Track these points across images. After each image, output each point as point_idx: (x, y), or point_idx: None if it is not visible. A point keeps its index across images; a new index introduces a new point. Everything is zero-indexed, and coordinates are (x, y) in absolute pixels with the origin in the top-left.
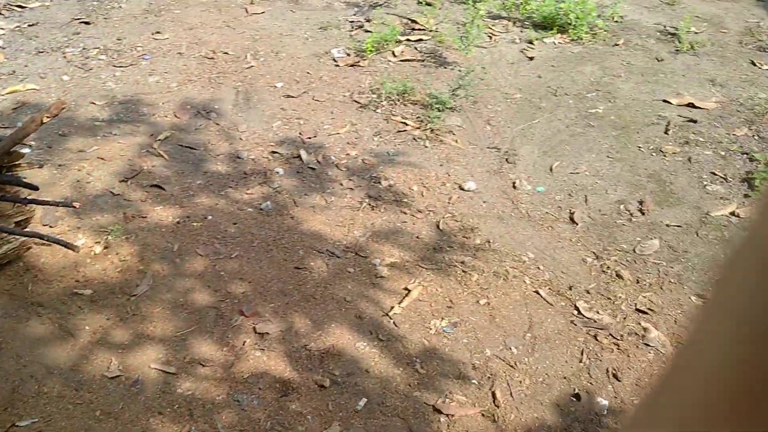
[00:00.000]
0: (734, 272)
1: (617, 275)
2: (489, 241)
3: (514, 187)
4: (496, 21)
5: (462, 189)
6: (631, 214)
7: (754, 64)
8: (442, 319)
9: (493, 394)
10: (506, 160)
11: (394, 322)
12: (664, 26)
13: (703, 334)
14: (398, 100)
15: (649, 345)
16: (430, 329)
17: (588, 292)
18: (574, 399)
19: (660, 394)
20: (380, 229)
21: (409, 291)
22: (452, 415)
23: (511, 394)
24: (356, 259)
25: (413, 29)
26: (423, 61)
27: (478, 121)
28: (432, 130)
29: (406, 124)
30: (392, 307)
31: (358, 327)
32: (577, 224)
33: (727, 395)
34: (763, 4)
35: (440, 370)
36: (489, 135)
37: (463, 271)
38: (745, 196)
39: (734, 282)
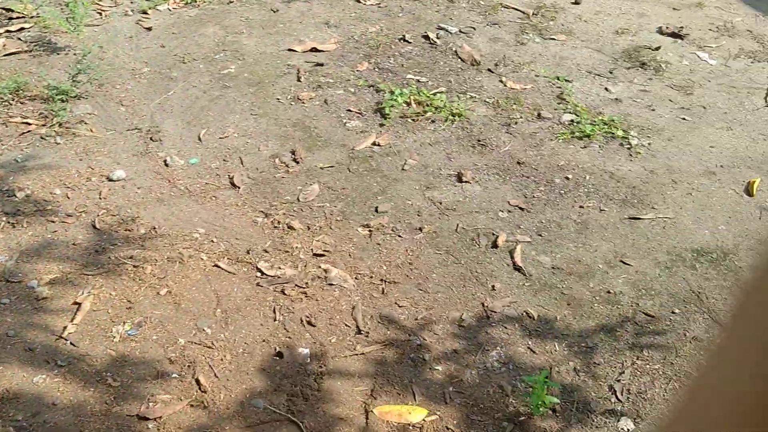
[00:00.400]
0: (758, 294)
1: (289, 227)
2: (155, 228)
3: (166, 164)
4: None
5: (111, 180)
6: (287, 166)
7: (359, 1)
8: (124, 323)
9: (197, 381)
10: (151, 139)
11: (71, 343)
12: None
13: (729, 351)
14: (12, 99)
15: (332, 284)
16: (114, 337)
17: (266, 251)
18: (277, 357)
19: (685, 411)
20: (28, 247)
21: (80, 304)
22: (159, 418)
23: (215, 374)
24: (8, 286)
25: (11, 18)
26: (30, 51)
27: (109, 104)
28: (60, 125)
29: (29, 124)
30: (65, 327)
31: (30, 360)
32: (239, 188)
33: (753, 410)
34: None
35: (135, 375)
36: (126, 116)
37: (135, 266)
38: (380, 125)
39: (759, 303)
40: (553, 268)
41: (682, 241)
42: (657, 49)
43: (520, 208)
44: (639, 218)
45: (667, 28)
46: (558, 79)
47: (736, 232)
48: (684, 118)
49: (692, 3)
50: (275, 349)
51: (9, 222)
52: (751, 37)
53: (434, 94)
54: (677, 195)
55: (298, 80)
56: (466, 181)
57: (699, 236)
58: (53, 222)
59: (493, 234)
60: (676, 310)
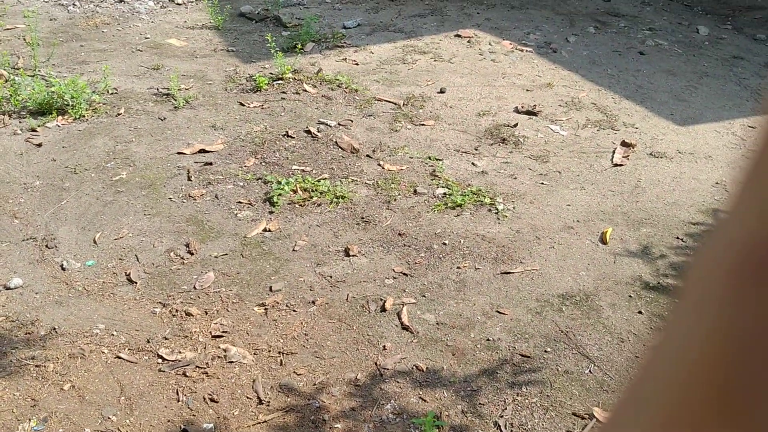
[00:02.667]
0: (707, 270)
1: (187, 314)
2: (54, 329)
3: (63, 269)
4: None
5: (8, 288)
6: (182, 258)
7: (243, 104)
8: (30, 420)
9: None
10: (46, 246)
11: None
12: (157, 89)
13: (678, 329)
14: None
15: (232, 362)
16: None
17: (166, 338)
18: None
19: (637, 391)
20: None
21: None
22: None
23: None
24: None
25: None
26: None
27: (2, 218)
28: None
29: None
30: None
31: None
32: (136, 283)
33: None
34: (234, 53)
35: None
36: (20, 228)
37: (37, 366)
38: (270, 213)
39: (706, 281)
40: (437, 323)
41: (549, 288)
42: (515, 126)
43: (404, 274)
44: (510, 272)
45: (522, 107)
46: (430, 158)
47: (595, 276)
48: (543, 183)
49: (543, 84)
50: (180, 428)
51: None
52: (595, 109)
53: (318, 181)
54: (541, 249)
55: (189, 179)
56: (353, 255)
57: (563, 283)
58: None
59: (381, 299)
60: (548, 349)
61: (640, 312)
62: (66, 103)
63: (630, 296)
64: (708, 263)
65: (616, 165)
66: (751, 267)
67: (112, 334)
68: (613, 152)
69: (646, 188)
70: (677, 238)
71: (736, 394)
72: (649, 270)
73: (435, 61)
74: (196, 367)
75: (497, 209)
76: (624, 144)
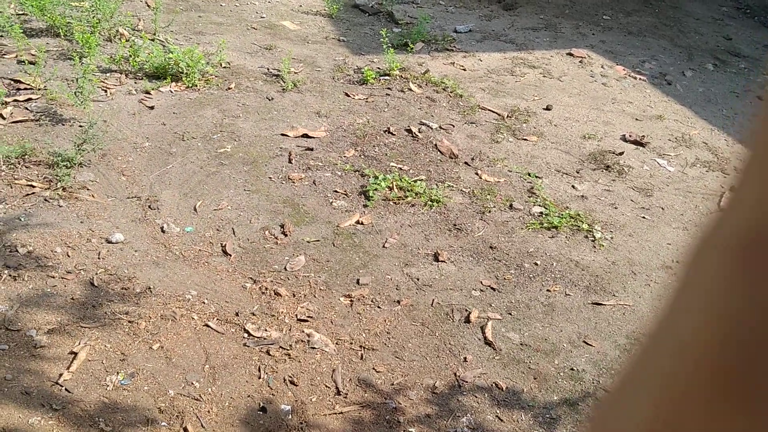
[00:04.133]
0: (706, 256)
1: (276, 293)
2: (150, 288)
3: (163, 231)
4: (108, 74)
5: (110, 242)
6: (276, 238)
7: (348, 95)
8: (118, 373)
9: (185, 430)
10: (149, 207)
11: (66, 389)
12: (268, 69)
13: (680, 312)
14: (18, 163)
15: (315, 348)
16: (108, 386)
17: (254, 314)
18: (261, 412)
19: (632, 374)
20: (29, 299)
21: (76, 354)
22: None
23: (202, 425)
24: (8, 334)
25: (19, 89)
26: (38, 120)
27: (111, 173)
28: (64, 189)
29: (33, 186)
30: (61, 374)
31: (27, 403)
32: (230, 255)
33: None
34: (345, 43)
35: (126, 421)
36: (126, 185)
37: (129, 322)
38: (364, 206)
39: (706, 263)
40: (521, 344)
41: (640, 326)
42: (620, 154)
43: (492, 288)
44: (601, 304)
45: (630, 136)
46: (529, 175)
47: None
48: (644, 217)
49: (653, 115)
50: (259, 405)
51: (10, 275)
52: (706, 149)
53: (415, 181)
54: (637, 285)
55: (290, 162)
56: (442, 261)
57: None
58: (53, 277)
59: (466, 310)
60: None
61: None
62: (181, 70)
63: None
64: (710, 248)
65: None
66: (747, 250)
67: (203, 302)
68: (722, 196)
69: None
70: None
71: (740, 377)
72: None
73: (544, 76)
74: (280, 347)
75: (594, 237)
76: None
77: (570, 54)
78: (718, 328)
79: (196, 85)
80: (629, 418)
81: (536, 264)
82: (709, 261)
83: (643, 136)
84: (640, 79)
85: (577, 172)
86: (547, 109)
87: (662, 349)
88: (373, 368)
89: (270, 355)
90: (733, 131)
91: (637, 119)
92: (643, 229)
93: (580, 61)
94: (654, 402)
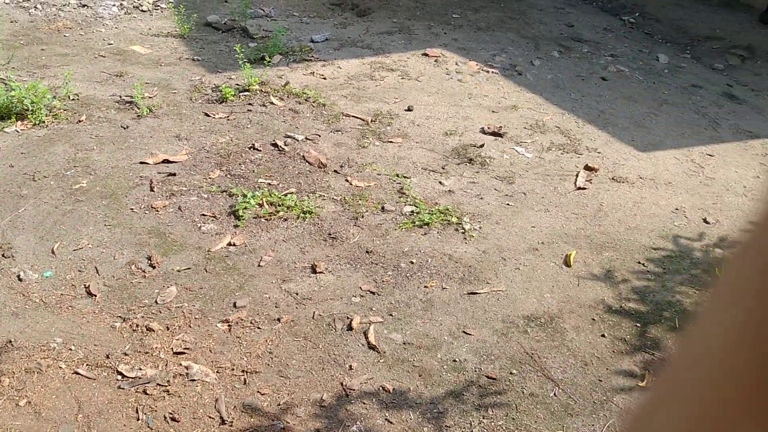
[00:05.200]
0: (740, 271)
1: (148, 329)
2: (10, 341)
3: (20, 279)
4: None
5: None
6: (143, 271)
7: (208, 115)
8: None
9: None
10: (2, 255)
11: None
12: (120, 96)
13: (711, 326)
14: None
15: (194, 380)
16: None
17: (126, 354)
18: None
19: (668, 395)
20: None
21: None
22: None
23: None
24: None
25: None
26: None
27: None
28: None
29: None
30: None
31: None
32: (95, 296)
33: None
34: (200, 63)
35: None
36: None
37: None
38: (235, 227)
39: (739, 282)
40: (404, 343)
41: (514, 309)
42: (481, 146)
43: (372, 292)
44: (476, 293)
45: (488, 128)
46: (398, 176)
47: (559, 298)
48: (508, 204)
49: (508, 106)
50: None
51: None
52: (559, 132)
53: (285, 195)
54: (507, 270)
55: (152, 190)
56: (320, 272)
57: (528, 304)
58: None
59: (348, 318)
60: (514, 371)
61: (603, 335)
62: (26, 108)
63: (593, 319)
64: (742, 264)
65: (579, 188)
66: None
67: (70, 349)
68: (577, 176)
69: (608, 212)
70: (639, 262)
71: (765, 394)
72: (611, 294)
73: (403, 78)
74: (157, 384)
75: (464, 229)
76: (587, 168)
77: (425, 54)
78: (751, 343)
79: (44, 122)
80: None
81: (412, 262)
82: (743, 277)
83: (501, 126)
84: (492, 72)
85: (443, 168)
86: (409, 110)
87: (695, 363)
88: (258, 391)
89: (147, 394)
90: (582, 113)
91: (493, 111)
92: (509, 216)
93: (435, 61)
94: (687, 415)
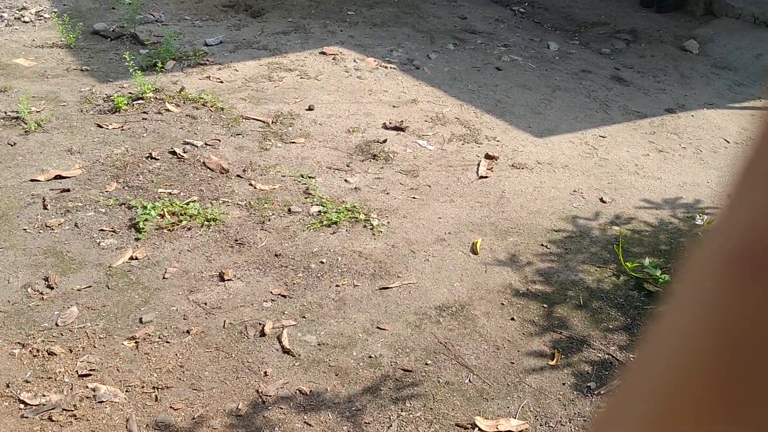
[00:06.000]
0: (703, 264)
1: (50, 353)
2: None
3: None
4: None
5: None
6: (41, 293)
7: (101, 126)
8: None
9: None
10: None
11: None
12: (5, 112)
13: (673, 325)
14: None
15: (102, 401)
16: None
17: (27, 382)
18: None
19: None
20: None
21: None
22: None
23: None
24: None
25: None
26: None
27: None
28: None
29: None
30: None
31: None
32: None
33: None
34: (89, 73)
35: None
36: None
37: None
38: (136, 239)
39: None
40: (319, 344)
41: (426, 301)
42: (384, 141)
43: (283, 296)
44: (388, 287)
45: (390, 123)
46: (303, 176)
47: (468, 286)
48: (414, 197)
49: (408, 100)
50: None
51: None
52: (459, 123)
53: (187, 204)
54: (417, 262)
55: (45, 208)
56: (228, 279)
57: (439, 295)
58: None
59: (260, 323)
60: (429, 362)
61: (512, 319)
62: None
63: (502, 304)
64: (702, 261)
65: (481, 177)
66: (744, 263)
67: None
68: (478, 165)
69: (510, 198)
70: (542, 245)
71: (734, 387)
72: (518, 277)
73: (301, 78)
74: (63, 410)
75: (372, 225)
76: (488, 157)
77: (323, 53)
78: (712, 339)
79: None
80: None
81: (322, 262)
82: (705, 273)
83: (402, 121)
84: (390, 68)
85: (348, 166)
86: (310, 109)
87: (656, 360)
88: (171, 407)
89: (53, 420)
90: (479, 103)
91: (394, 106)
92: (415, 209)
93: (333, 59)
94: (648, 414)
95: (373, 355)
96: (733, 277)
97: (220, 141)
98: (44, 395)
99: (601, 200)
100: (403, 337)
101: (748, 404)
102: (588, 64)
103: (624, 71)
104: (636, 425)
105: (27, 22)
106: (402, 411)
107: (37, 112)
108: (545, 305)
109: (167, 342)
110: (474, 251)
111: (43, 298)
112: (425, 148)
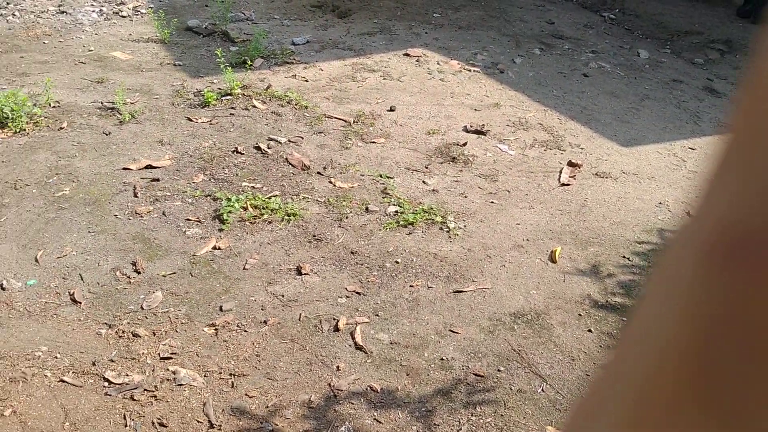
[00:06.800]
0: (679, 254)
1: (134, 335)
2: None
3: (3, 288)
4: None
5: None
6: (128, 277)
7: (191, 120)
8: None
9: None
10: None
11: None
12: (102, 103)
13: (649, 315)
14: None
15: (182, 384)
16: None
17: (112, 361)
18: None
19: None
20: None
21: None
22: None
23: None
24: None
25: None
26: None
27: None
28: None
29: None
30: None
31: None
32: (80, 303)
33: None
34: (181, 68)
35: None
36: None
37: None
38: (219, 230)
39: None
40: (391, 343)
41: (500, 307)
42: (464, 144)
43: (357, 293)
44: (462, 291)
45: (471, 126)
46: (381, 176)
47: (545, 294)
48: (492, 202)
49: (491, 104)
50: None
51: None
52: (542, 129)
53: (269, 198)
54: (493, 267)
55: (135, 196)
56: (305, 274)
57: (514, 301)
58: None
59: (334, 319)
60: (501, 368)
61: (589, 330)
62: (6, 116)
63: (580, 315)
64: (678, 249)
65: (563, 185)
66: (720, 251)
67: (56, 357)
68: (560, 172)
69: (592, 208)
70: (624, 257)
71: (708, 378)
72: (597, 289)
73: (384, 79)
74: (144, 390)
75: (449, 228)
76: (570, 164)
77: (407, 54)
78: (684, 330)
79: (25, 129)
80: (600, 424)
81: (397, 262)
82: (681, 262)
83: (483, 124)
84: (474, 71)
85: (426, 167)
86: (391, 110)
87: (632, 352)
88: (246, 394)
89: (135, 400)
90: (564, 109)
91: (476, 109)
92: (493, 213)
93: (416, 60)
94: (622, 406)
95: (444, 358)
96: (708, 266)
97: (302, 138)
98: (127, 375)
99: (688, 214)
100: (476, 341)
101: (719, 402)
102: (679, 73)
103: (717, 82)
104: (609, 420)
105: (125, 17)
106: (472, 416)
107: (132, 103)
108: (624, 318)
109: (245, 331)
110: (552, 259)
111: (130, 282)
112: (506, 153)
